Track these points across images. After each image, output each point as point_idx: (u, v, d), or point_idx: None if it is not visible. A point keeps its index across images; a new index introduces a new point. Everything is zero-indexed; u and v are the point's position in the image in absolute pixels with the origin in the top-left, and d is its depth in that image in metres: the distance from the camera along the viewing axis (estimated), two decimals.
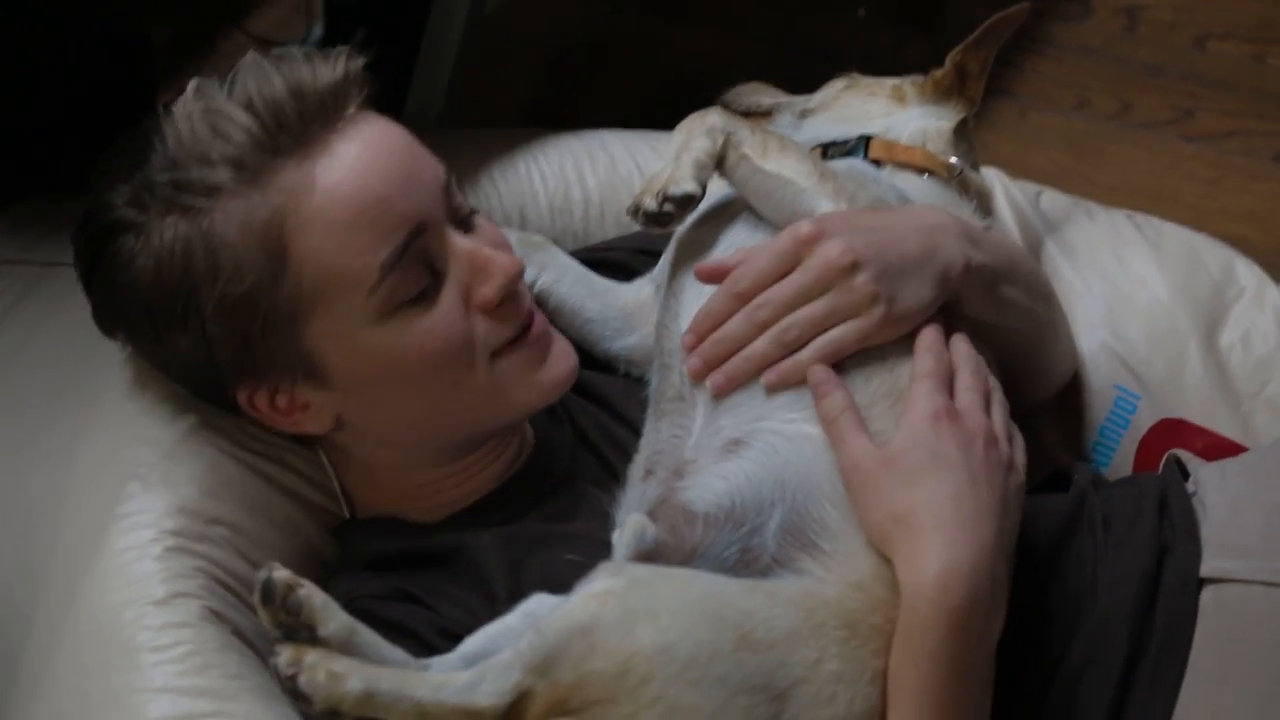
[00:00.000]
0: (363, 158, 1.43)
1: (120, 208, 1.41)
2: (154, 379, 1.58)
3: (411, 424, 1.50)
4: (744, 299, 1.38)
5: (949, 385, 1.36)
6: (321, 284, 1.42)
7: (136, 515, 1.49)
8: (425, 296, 1.44)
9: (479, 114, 2.13)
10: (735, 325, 1.37)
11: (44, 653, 1.46)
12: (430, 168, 1.48)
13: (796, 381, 1.36)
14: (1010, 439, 1.37)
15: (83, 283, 1.50)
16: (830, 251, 1.36)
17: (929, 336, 1.39)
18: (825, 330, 1.36)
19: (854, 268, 1.35)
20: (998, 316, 1.50)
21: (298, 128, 1.41)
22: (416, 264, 1.43)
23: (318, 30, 2.49)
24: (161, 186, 1.40)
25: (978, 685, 1.27)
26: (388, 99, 1.54)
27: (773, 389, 1.37)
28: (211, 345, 1.44)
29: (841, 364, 1.39)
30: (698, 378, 1.39)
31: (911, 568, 1.26)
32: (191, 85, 1.44)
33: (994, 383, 1.40)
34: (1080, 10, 2.46)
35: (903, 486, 1.29)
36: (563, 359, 1.49)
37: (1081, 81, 2.39)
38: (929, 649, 1.25)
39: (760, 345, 1.36)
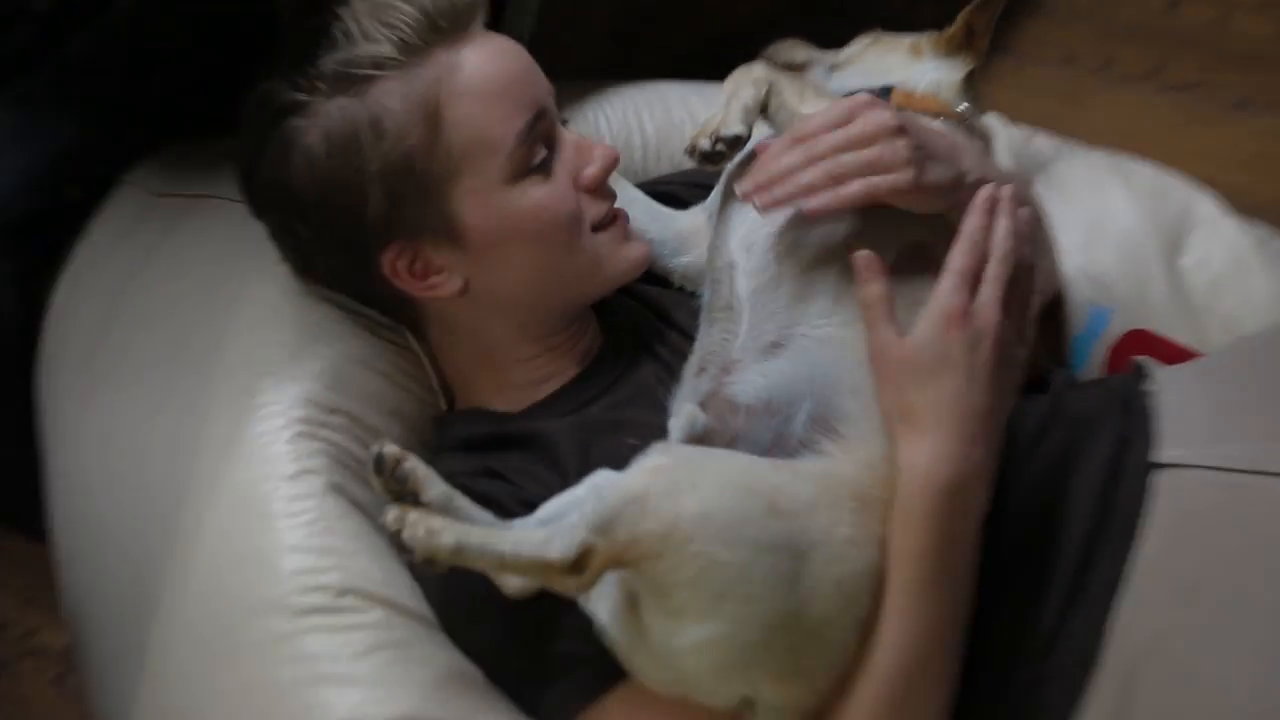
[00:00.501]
0: (499, 49, 1.51)
1: (288, 93, 1.47)
2: (288, 293, 1.63)
3: (528, 285, 1.55)
4: (803, 141, 1.39)
5: (976, 277, 1.36)
6: (468, 145, 1.48)
7: (270, 405, 1.55)
8: (544, 167, 1.50)
9: (553, 69, 2.17)
10: (793, 156, 1.38)
11: (197, 517, 1.51)
12: (543, 75, 1.55)
13: (835, 210, 1.38)
14: (1020, 330, 1.39)
15: (247, 171, 1.55)
16: (883, 115, 1.38)
17: (973, 222, 1.38)
18: (866, 176, 1.37)
19: (900, 131, 1.37)
20: None
21: (448, 20, 1.48)
22: (539, 139, 1.49)
23: None
24: (330, 67, 1.47)
25: (963, 556, 1.31)
26: None
27: (814, 215, 1.38)
28: (369, 207, 1.49)
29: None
30: (748, 197, 1.40)
31: (909, 453, 1.30)
32: None
33: (1025, 268, 1.40)
34: None
35: (911, 383, 1.33)
36: (640, 244, 1.56)
37: (1069, 39, 2.39)
38: (919, 524, 1.29)
39: (810, 174, 1.37)
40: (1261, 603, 1.29)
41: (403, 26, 1.46)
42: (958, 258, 1.36)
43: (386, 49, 1.46)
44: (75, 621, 1.65)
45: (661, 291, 1.63)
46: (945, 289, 1.35)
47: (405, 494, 1.35)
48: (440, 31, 1.48)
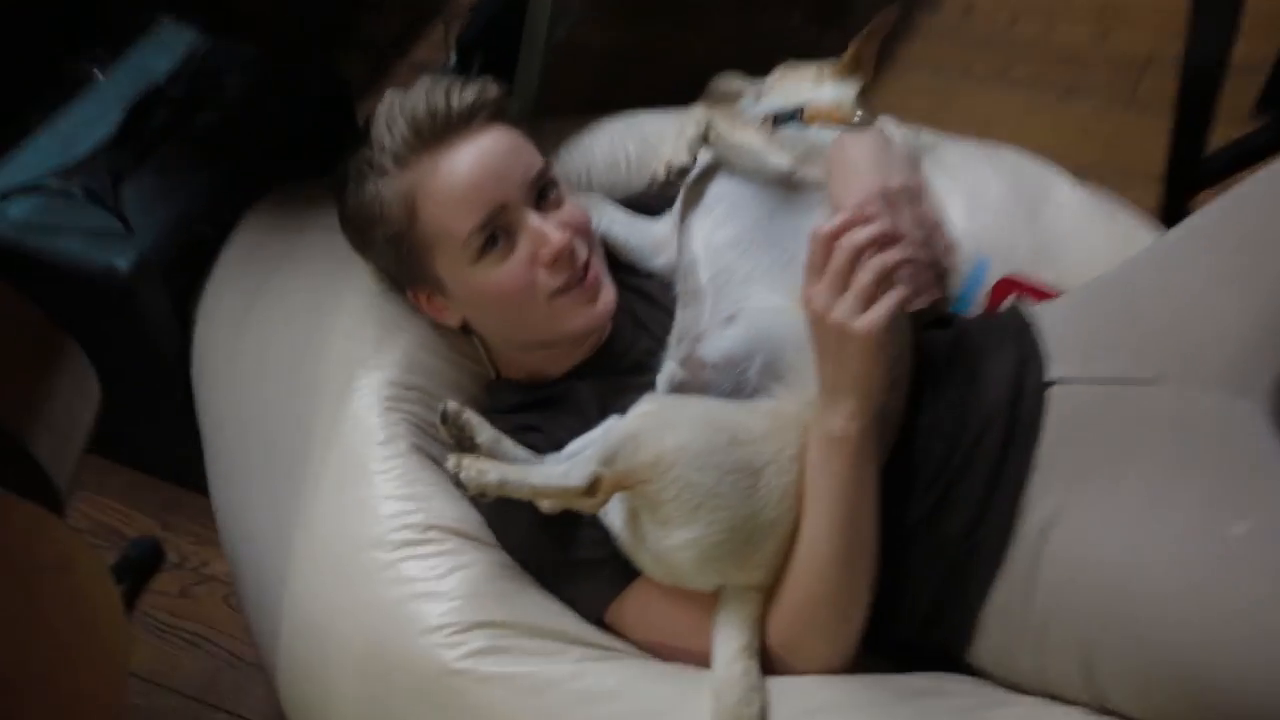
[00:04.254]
0: (470, 158, 1.41)
1: (343, 168, 1.45)
2: (372, 300, 1.58)
3: (500, 331, 1.50)
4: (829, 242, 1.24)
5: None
6: (435, 234, 1.42)
7: (364, 388, 1.50)
8: (503, 251, 1.41)
9: (556, 105, 2.10)
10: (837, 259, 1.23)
11: (316, 476, 1.48)
12: (522, 165, 1.44)
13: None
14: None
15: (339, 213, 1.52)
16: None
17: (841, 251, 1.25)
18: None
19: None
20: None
21: (430, 134, 1.39)
22: (496, 230, 1.41)
23: (454, 57, 2.43)
24: (364, 159, 1.42)
25: (869, 464, 1.24)
26: None
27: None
28: (385, 261, 1.49)
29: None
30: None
31: (825, 416, 1.24)
32: (388, 93, 1.45)
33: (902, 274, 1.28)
34: (933, 6, 2.38)
35: (835, 362, 1.23)
36: (605, 304, 1.46)
37: (936, 54, 2.32)
38: (836, 460, 1.24)
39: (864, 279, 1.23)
40: (1128, 483, 1.23)
41: (396, 139, 1.41)
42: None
43: (386, 159, 1.41)
44: (232, 556, 1.62)
45: (650, 282, 1.54)
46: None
47: (464, 440, 1.35)
48: (425, 142, 1.40)
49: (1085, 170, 1.72)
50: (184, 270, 1.74)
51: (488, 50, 2.30)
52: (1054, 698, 1.24)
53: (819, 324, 1.24)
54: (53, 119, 1.88)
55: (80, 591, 1.25)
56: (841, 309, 1.21)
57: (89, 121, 1.86)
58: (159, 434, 1.82)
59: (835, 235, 1.23)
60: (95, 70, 1.94)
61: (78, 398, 1.34)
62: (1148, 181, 1.81)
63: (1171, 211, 1.74)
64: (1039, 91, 2.18)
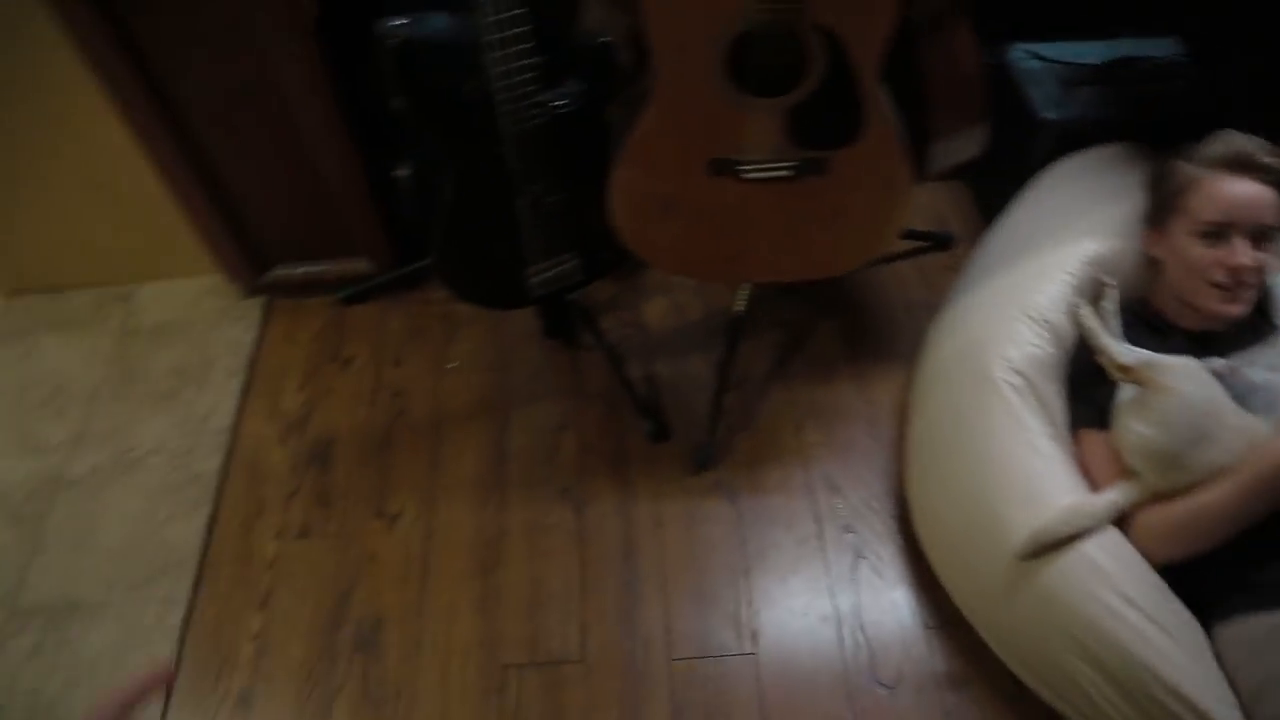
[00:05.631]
0: (1239, 189, 1.29)
1: (1182, 153, 1.35)
2: (1124, 211, 1.46)
3: (1172, 276, 1.38)
4: None
5: None
6: (1186, 208, 1.34)
7: (1086, 242, 1.45)
8: (1210, 243, 1.33)
9: None
10: None
11: (1023, 264, 1.46)
12: (1262, 215, 1.29)
13: None
14: None
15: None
16: None
17: None
18: None
19: None
20: None
21: (1233, 163, 1.30)
22: (1215, 233, 1.33)
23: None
24: (1191, 150, 1.34)
25: (1265, 497, 1.13)
26: None
27: None
28: (1153, 200, 1.39)
29: None
30: None
31: (1273, 443, 1.15)
32: (1228, 131, 1.32)
33: None
34: None
35: None
36: (1235, 310, 1.32)
37: None
38: (1256, 467, 1.15)
39: None
40: None
41: (1214, 153, 1.31)
42: None
43: (1200, 158, 1.31)
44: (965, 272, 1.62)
45: (1268, 326, 1.38)
46: None
47: (1095, 298, 1.34)
48: (1227, 164, 1.31)
49: None
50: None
51: None
52: None
53: None
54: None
55: (900, 195, 1.30)
56: None
57: (1096, 53, 1.76)
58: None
59: None
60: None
61: (966, 145, 1.43)
62: None
63: None
64: None
